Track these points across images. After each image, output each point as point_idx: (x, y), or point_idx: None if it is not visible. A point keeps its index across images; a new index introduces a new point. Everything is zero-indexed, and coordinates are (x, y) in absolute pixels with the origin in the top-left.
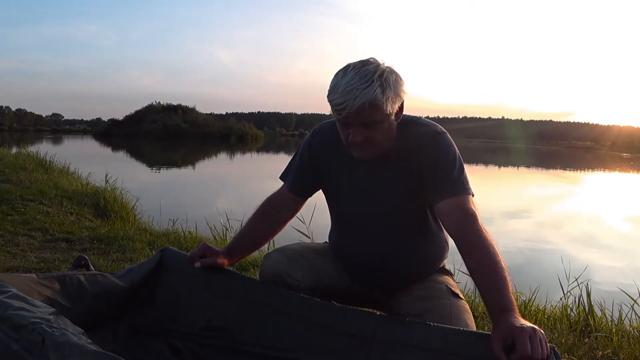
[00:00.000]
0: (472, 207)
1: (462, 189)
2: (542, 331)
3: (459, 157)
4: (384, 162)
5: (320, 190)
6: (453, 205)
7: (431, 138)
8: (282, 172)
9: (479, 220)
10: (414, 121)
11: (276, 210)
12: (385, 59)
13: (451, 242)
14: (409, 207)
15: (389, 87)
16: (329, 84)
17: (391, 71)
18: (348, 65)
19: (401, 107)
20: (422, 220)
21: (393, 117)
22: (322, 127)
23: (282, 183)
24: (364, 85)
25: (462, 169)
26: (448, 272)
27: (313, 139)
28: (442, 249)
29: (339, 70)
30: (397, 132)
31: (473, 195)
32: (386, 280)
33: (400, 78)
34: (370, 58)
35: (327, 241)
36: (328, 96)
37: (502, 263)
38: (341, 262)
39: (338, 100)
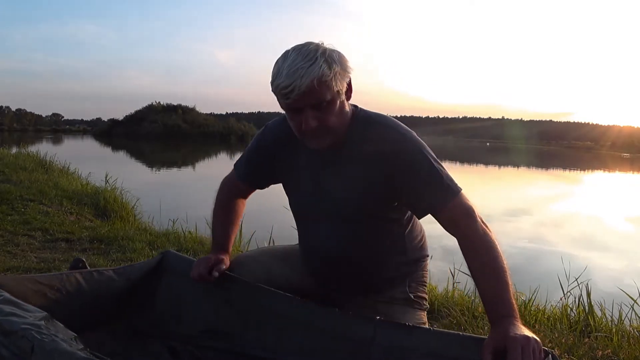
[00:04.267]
0: (467, 204)
1: (451, 191)
2: (537, 340)
3: (434, 157)
4: (341, 157)
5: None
6: (449, 212)
7: (399, 145)
8: (237, 159)
9: (478, 217)
10: (377, 120)
11: (236, 195)
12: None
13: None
14: (365, 205)
15: (334, 62)
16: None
17: (333, 49)
18: (287, 50)
19: (350, 85)
20: (380, 220)
21: (343, 96)
22: (275, 123)
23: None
24: (309, 64)
25: (442, 168)
26: (422, 307)
27: (265, 135)
28: (404, 252)
29: (279, 57)
30: (358, 129)
31: (461, 190)
32: (341, 279)
33: (343, 55)
34: (308, 42)
35: None
36: (272, 83)
37: (505, 266)
38: (302, 258)
39: (284, 83)
